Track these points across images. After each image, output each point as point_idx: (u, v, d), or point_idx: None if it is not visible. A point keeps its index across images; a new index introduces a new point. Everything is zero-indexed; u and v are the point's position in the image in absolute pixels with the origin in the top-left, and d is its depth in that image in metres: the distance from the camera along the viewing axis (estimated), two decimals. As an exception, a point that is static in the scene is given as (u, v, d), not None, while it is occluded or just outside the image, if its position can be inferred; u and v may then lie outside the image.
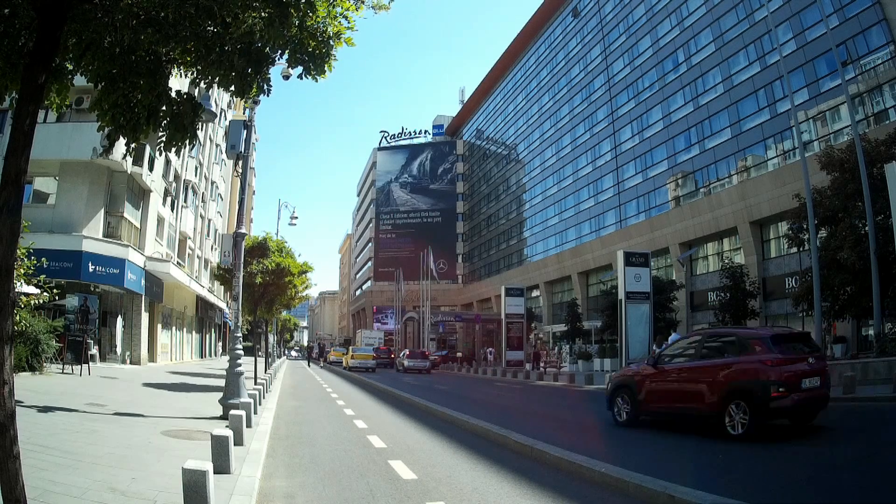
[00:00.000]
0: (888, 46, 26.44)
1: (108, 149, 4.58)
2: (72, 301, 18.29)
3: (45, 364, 14.56)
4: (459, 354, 55.43)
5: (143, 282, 23.06)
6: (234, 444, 5.79)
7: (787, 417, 8.69)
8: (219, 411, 9.93)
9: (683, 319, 37.42)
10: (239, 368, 10.25)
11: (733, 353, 8.96)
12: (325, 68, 4.04)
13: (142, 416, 9.20)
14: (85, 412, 8.84)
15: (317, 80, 4.09)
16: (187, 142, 4.45)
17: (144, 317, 24.07)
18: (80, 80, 4.40)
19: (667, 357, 10.24)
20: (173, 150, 4.49)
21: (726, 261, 30.17)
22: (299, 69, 4.05)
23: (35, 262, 12.79)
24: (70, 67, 4.18)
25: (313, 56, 3.97)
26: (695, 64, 38.68)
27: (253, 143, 20.10)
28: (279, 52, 4.04)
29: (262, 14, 3.77)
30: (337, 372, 35.74)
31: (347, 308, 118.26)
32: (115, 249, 20.74)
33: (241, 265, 11.77)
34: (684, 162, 39.52)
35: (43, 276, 13.36)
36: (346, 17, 3.99)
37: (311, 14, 3.85)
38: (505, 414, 12.60)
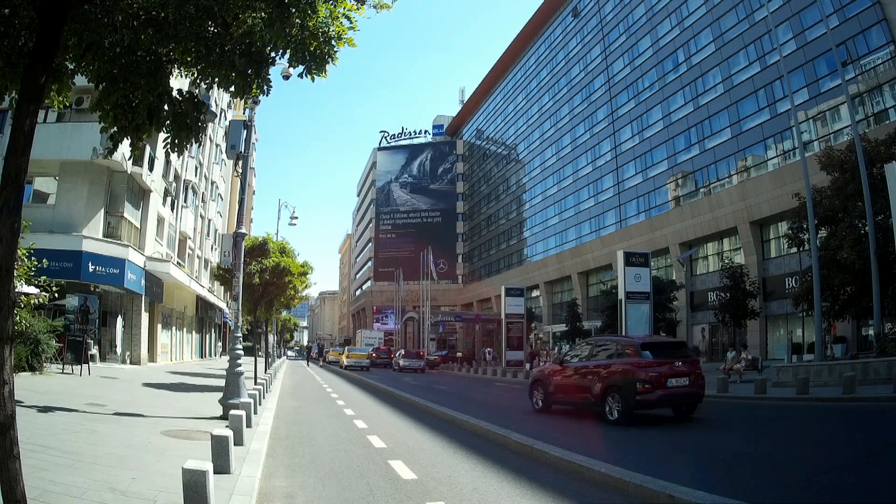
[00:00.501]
0: (888, 46, 26.43)
1: (111, 151, 4.57)
2: (72, 301, 18.28)
3: (45, 364, 14.56)
4: (459, 354, 55.43)
5: (143, 282, 23.06)
6: (234, 444, 5.78)
7: (653, 409, 10.67)
8: (219, 411, 9.93)
9: (683, 319, 37.43)
10: (239, 368, 10.24)
11: (613, 356, 11.03)
12: (326, 68, 4.04)
13: (142, 416, 9.20)
14: (85, 412, 8.84)
15: (314, 80, 4.09)
16: (193, 141, 4.45)
17: (144, 317, 24.07)
18: (80, 80, 4.40)
19: (569, 357, 12.53)
20: (177, 150, 4.49)
21: (726, 261, 30.19)
22: (300, 68, 4.05)
23: (35, 262, 12.79)
24: (70, 67, 4.18)
25: (314, 56, 3.97)
26: (695, 64, 38.68)
27: (253, 143, 20.09)
28: (280, 52, 4.04)
29: (263, 14, 3.77)
30: (335, 371, 35.82)
31: (347, 308, 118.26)
32: (115, 249, 20.74)
33: (241, 265, 11.77)
34: (684, 162, 39.52)
35: (43, 277, 13.36)
36: (347, 18, 3.99)
37: (311, 14, 3.85)
38: (503, 413, 12.61)
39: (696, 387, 10.40)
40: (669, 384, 10.05)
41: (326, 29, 3.95)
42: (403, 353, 41.91)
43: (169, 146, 4.40)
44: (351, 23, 4.00)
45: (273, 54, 4.12)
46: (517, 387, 23.29)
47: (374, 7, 4.09)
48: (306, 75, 4.03)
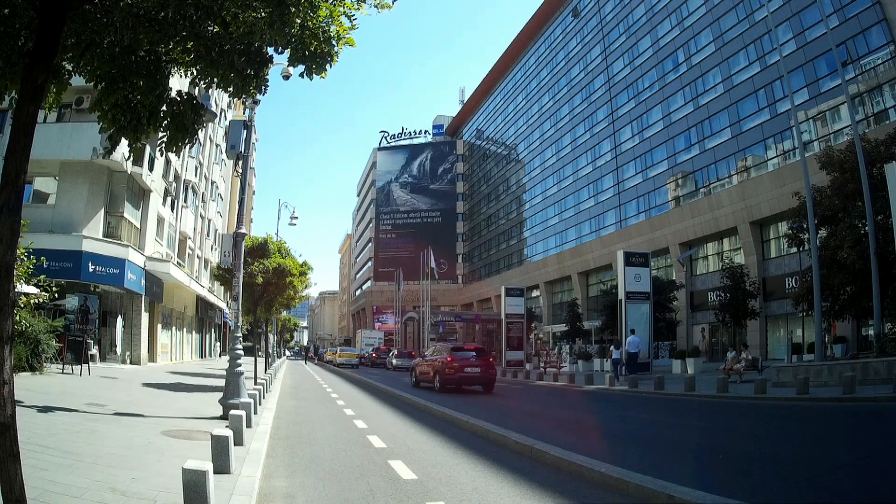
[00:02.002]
0: (888, 46, 26.44)
1: (110, 151, 4.56)
2: (72, 301, 18.29)
3: (45, 364, 14.55)
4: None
5: (143, 282, 23.05)
6: (234, 444, 5.78)
7: (459, 384, 18.01)
8: (219, 411, 9.93)
9: (683, 319, 37.44)
10: (239, 368, 10.24)
11: (441, 354, 19.19)
12: (326, 67, 4.03)
13: (142, 416, 9.20)
14: (85, 412, 8.84)
15: (312, 79, 4.09)
16: (188, 142, 4.45)
17: (144, 317, 24.07)
18: (79, 81, 4.39)
19: (424, 355, 21.93)
20: (174, 150, 4.49)
21: (726, 261, 30.18)
22: (300, 68, 4.04)
23: (35, 261, 12.79)
24: (68, 68, 4.18)
25: (315, 55, 3.96)
26: (695, 64, 38.68)
27: (253, 143, 20.08)
28: (280, 50, 4.04)
29: (262, 14, 3.77)
30: (333, 371, 36.05)
31: (347, 308, 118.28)
32: (115, 249, 20.73)
33: (241, 265, 11.77)
34: (684, 162, 39.52)
35: (43, 276, 13.37)
36: (348, 17, 3.98)
37: (312, 14, 3.84)
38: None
39: (486, 373, 18.10)
40: (466, 371, 17.82)
41: (327, 28, 3.94)
42: (396, 353, 42.66)
43: (164, 146, 4.39)
44: (351, 22, 3.99)
45: (273, 52, 4.13)
46: (515, 386, 23.28)
47: (375, 6, 4.09)
48: (306, 75, 4.03)
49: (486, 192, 76.68)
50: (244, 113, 13.51)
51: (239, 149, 11.70)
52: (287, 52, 4.00)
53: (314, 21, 3.87)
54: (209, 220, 40.42)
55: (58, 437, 6.60)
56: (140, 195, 24.22)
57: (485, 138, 78.18)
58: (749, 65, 34.22)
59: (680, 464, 6.96)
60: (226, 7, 3.76)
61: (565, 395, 18.63)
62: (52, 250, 16.76)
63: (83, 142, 19.46)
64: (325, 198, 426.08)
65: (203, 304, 38.36)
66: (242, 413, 7.34)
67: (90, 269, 19.60)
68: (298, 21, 3.79)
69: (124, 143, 4.39)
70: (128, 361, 22.51)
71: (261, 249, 21.31)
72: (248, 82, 4.13)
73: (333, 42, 3.98)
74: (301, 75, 4.05)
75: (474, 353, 18.61)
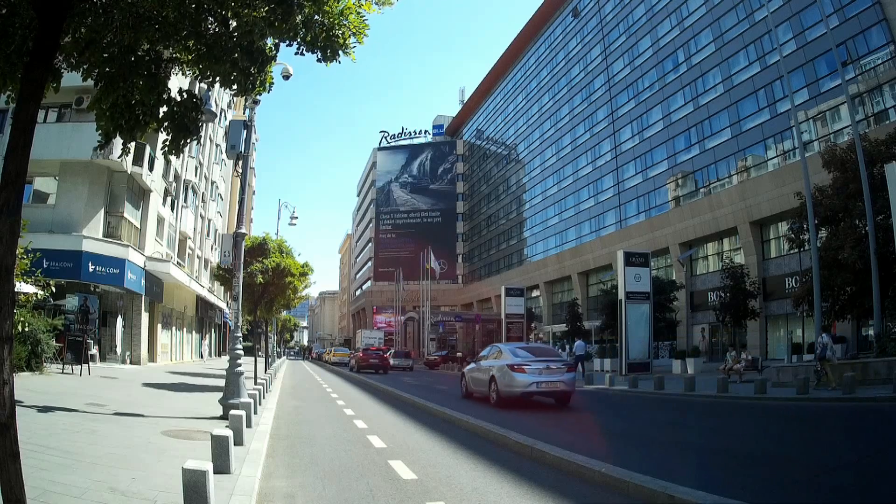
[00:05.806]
0: (888, 46, 26.43)
1: (102, 145, 4.55)
2: (72, 301, 18.29)
3: (45, 364, 14.55)
4: (459, 354, 55.53)
5: (143, 282, 23.05)
6: (234, 444, 5.77)
7: (368, 370, 31.95)
8: (219, 411, 9.92)
9: (683, 319, 37.44)
10: (239, 368, 10.23)
11: (358, 353, 37.15)
12: (342, 47, 4.04)
13: (142, 416, 9.19)
14: (85, 412, 8.84)
15: (327, 65, 4.11)
16: (190, 141, 4.45)
17: (144, 317, 24.06)
18: (78, 80, 4.39)
19: (355, 352, 40.64)
20: (176, 152, 4.49)
21: (726, 261, 30.19)
22: (308, 58, 4.07)
23: (34, 256, 12.80)
24: (64, 69, 4.17)
25: (329, 37, 3.97)
26: (695, 64, 38.67)
27: (253, 143, 20.07)
28: (286, 42, 4.05)
29: (262, 13, 3.76)
30: (332, 370, 36.24)
31: (347, 308, 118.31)
32: (115, 249, 20.73)
33: (241, 265, 11.76)
34: (684, 162, 39.52)
35: (39, 271, 13.38)
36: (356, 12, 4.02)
37: (318, 9, 3.86)
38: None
39: (382, 363, 32.49)
40: (370, 361, 32.41)
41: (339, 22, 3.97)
42: (393, 352, 42.94)
43: (167, 148, 4.39)
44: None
45: (275, 52, 4.14)
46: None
47: (377, 4, 4.10)
48: (323, 60, 4.06)
49: (486, 192, 76.68)
50: (244, 113, 13.51)
51: (239, 149, 11.69)
52: (293, 47, 4.02)
53: (326, 16, 3.88)
54: (209, 220, 40.40)
55: (58, 437, 6.59)
56: (140, 195, 24.21)
57: (485, 138, 78.16)
58: (749, 65, 34.22)
59: (681, 464, 6.95)
60: (227, 5, 3.76)
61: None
62: (52, 250, 16.77)
63: (83, 142, 19.42)
64: (325, 198, 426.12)
65: (203, 304, 38.35)
66: (242, 413, 7.33)
67: (90, 269, 19.59)
68: (301, 19, 3.80)
69: (117, 139, 4.38)
70: (128, 361, 22.50)
71: (260, 249, 21.29)
72: (252, 80, 4.14)
73: (350, 36, 4.00)
74: (318, 60, 4.09)
75: (376, 353, 34.10)
